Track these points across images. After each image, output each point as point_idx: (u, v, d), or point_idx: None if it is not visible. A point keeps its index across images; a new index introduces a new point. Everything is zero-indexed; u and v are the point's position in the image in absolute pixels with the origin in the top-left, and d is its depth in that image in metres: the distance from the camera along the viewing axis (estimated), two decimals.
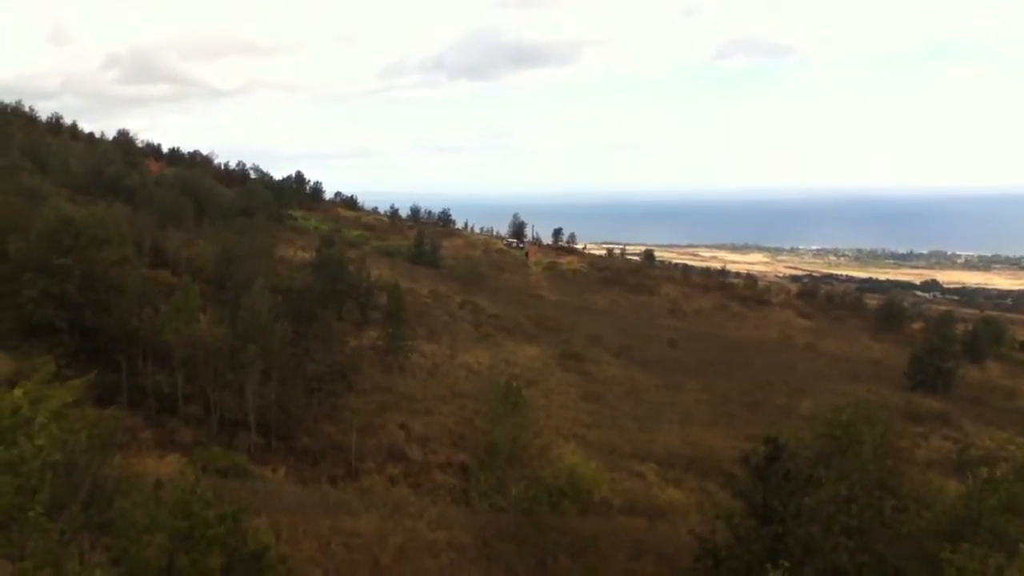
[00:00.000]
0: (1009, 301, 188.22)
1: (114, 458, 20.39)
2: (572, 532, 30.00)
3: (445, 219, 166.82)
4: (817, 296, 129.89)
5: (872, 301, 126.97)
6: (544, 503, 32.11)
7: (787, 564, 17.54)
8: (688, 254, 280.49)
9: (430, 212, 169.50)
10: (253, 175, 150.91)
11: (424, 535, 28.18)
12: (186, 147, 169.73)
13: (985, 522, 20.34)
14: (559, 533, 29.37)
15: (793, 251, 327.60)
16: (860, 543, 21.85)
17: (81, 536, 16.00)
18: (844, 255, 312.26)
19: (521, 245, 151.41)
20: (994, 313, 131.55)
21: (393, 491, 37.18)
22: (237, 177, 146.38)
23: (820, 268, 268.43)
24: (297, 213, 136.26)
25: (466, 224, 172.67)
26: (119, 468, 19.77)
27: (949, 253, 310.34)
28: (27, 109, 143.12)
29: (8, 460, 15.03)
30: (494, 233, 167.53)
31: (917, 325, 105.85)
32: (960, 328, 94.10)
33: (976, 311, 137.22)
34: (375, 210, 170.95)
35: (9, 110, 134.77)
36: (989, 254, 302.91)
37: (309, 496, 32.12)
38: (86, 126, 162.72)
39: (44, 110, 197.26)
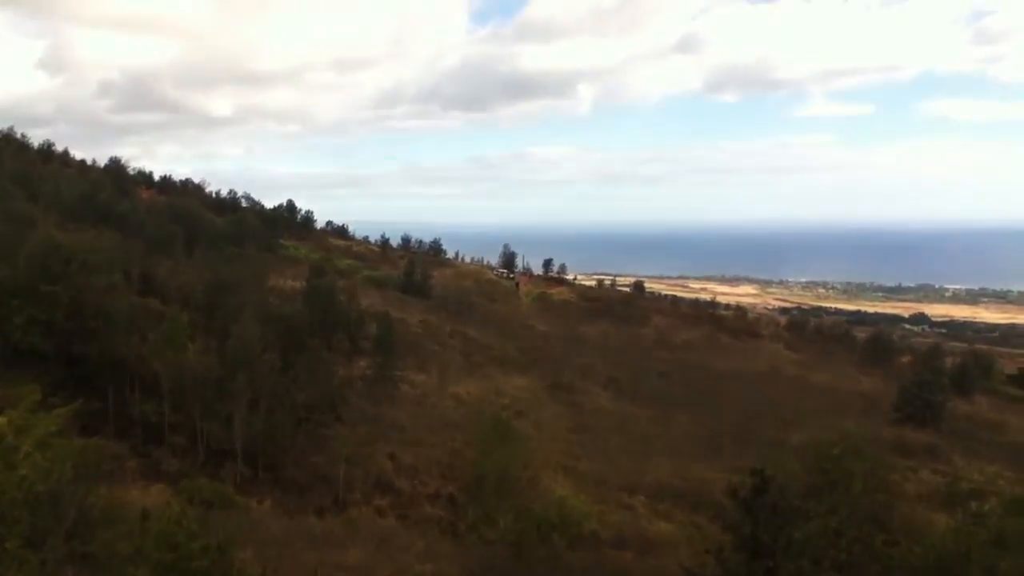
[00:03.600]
0: (997, 334, 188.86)
1: (99, 488, 20.17)
2: (561, 565, 29.82)
3: (436, 249, 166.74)
4: (806, 328, 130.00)
5: (861, 334, 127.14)
6: (533, 535, 31.92)
7: None
8: (678, 285, 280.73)
9: (421, 241, 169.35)
10: (244, 204, 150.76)
11: (412, 568, 27.96)
12: (178, 175, 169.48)
13: (975, 556, 20.30)
14: (547, 566, 29.17)
15: (782, 283, 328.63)
16: None
17: (64, 568, 15.78)
18: (833, 288, 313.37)
19: (511, 275, 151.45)
20: (982, 346, 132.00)
21: (381, 523, 36.91)
22: (228, 205, 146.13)
23: (809, 300, 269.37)
24: (288, 242, 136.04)
25: (457, 254, 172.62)
26: (104, 498, 19.55)
27: (937, 287, 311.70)
28: (19, 135, 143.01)
29: None
30: (484, 263, 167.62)
31: (906, 358, 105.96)
32: (948, 361, 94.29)
33: (964, 344, 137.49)
34: (366, 239, 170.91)
35: (1, 136, 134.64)
36: (977, 288, 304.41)
37: (295, 528, 31.86)
38: (79, 153, 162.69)
39: (38, 136, 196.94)
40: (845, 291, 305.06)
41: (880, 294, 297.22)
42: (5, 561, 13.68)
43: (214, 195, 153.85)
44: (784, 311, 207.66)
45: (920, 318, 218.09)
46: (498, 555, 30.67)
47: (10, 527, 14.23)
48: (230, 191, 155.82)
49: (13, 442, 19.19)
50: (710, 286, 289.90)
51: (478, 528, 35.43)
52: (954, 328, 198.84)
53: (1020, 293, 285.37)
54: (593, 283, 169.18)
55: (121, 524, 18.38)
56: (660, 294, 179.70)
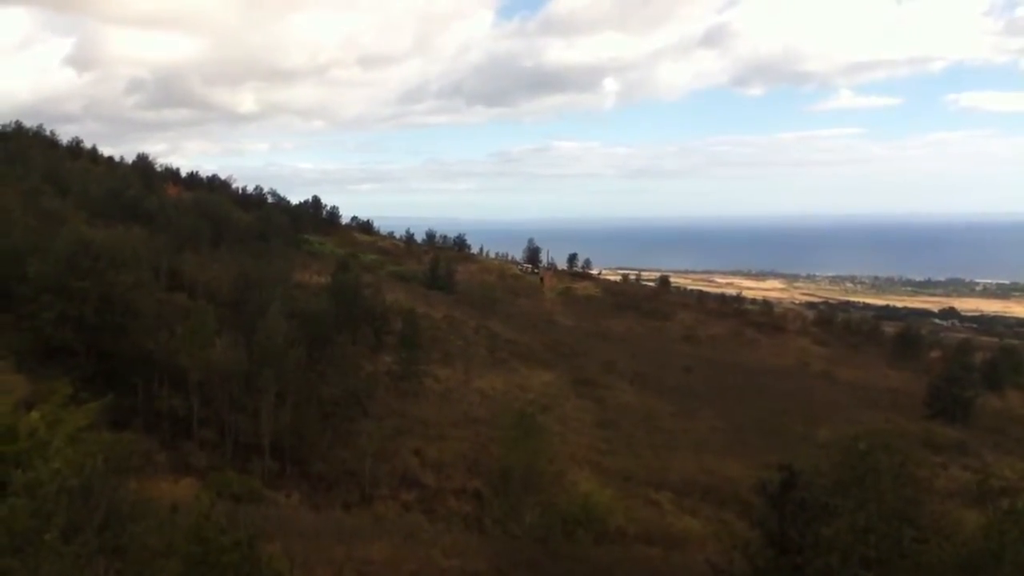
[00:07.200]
0: None
1: (129, 482, 20.38)
2: (587, 561, 29.77)
3: (460, 244, 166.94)
4: (834, 323, 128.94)
5: (889, 329, 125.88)
6: (559, 531, 31.91)
7: None
8: (703, 280, 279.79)
9: (445, 237, 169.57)
10: (270, 199, 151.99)
11: (438, 562, 28.00)
12: (205, 171, 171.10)
13: (1007, 555, 19.98)
14: (574, 562, 29.14)
15: (809, 278, 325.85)
16: (879, 574, 21.52)
17: (96, 560, 15.96)
18: (861, 282, 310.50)
19: (536, 270, 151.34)
20: (1013, 341, 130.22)
21: (407, 517, 37.06)
22: (254, 201, 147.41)
23: (836, 295, 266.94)
24: (313, 237, 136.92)
25: (481, 249, 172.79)
26: (134, 492, 19.73)
27: (967, 281, 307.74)
28: (48, 133, 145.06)
29: (25, 483, 15.06)
30: (509, 258, 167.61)
31: (935, 353, 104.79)
32: (979, 356, 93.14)
33: (995, 339, 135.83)
34: (391, 235, 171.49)
35: (31, 134, 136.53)
36: (1008, 282, 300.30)
37: (323, 522, 32.03)
38: (107, 150, 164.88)
39: (66, 134, 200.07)
40: (873, 286, 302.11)
41: (909, 288, 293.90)
42: (42, 553, 13.86)
43: (240, 191, 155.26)
44: (811, 306, 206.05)
45: (950, 313, 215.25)
46: (524, 550, 30.67)
47: (47, 520, 14.42)
48: (256, 187, 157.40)
49: (45, 436, 19.47)
50: (736, 281, 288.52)
51: (504, 523, 35.43)
52: (984, 323, 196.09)
53: None
54: (618, 278, 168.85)
55: (151, 518, 18.55)
56: (686, 289, 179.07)
